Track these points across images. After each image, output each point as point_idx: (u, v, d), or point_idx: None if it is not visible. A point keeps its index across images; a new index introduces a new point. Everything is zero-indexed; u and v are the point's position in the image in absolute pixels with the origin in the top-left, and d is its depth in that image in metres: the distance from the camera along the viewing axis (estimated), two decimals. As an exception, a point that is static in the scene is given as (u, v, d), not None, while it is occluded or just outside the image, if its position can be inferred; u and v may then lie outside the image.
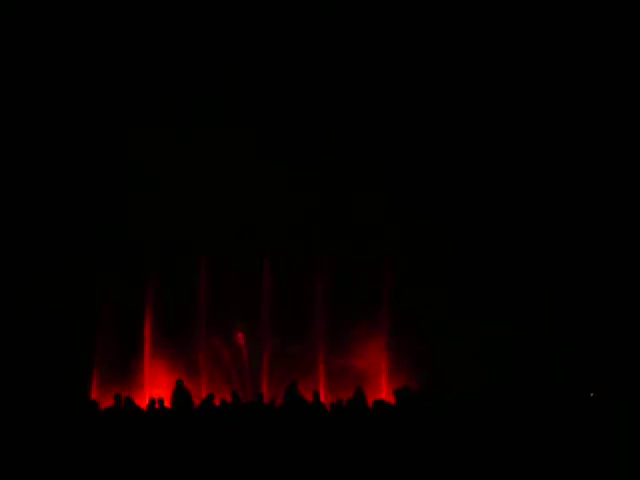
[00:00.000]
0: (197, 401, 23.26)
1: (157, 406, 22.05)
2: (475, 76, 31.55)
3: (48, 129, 30.95)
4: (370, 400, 23.14)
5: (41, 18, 30.78)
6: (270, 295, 29.68)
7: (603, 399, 23.77)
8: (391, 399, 23.11)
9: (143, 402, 23.39)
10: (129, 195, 30.88)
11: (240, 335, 29.38)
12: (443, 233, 30.50)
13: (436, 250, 30.16)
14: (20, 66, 30.61)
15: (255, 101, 31.66)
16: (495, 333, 29.33)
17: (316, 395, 21.95)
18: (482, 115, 31.80)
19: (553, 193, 31.54)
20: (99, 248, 29.96)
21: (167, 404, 22.57)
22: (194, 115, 31.38)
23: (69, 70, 30.91)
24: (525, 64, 31.35)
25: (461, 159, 31.62)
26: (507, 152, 31.60)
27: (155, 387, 26.89)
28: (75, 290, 29.21)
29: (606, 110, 31.06)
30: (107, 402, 22.84)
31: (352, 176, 31.04)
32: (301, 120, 31.87)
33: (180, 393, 22.83)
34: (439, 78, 31.66)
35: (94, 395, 26.78)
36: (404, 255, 29.87)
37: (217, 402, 21.80)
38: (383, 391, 27.10)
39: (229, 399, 22.37)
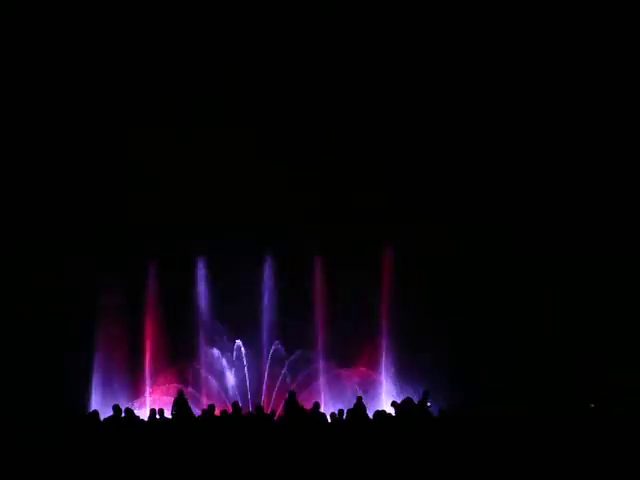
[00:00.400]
0: (198, 411, 23.27)
1: (158, 416, 22.04)
2: (474, 77, 31.45)
3: (49, 130, 30.98)
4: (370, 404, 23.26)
5: (42, 18, 30.64)
6: (272, 297, 29.68)
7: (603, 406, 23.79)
8: (392, 406, 23.05)
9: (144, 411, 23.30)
10: (129, 195, 30.89)
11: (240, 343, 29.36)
12: (443, 233, 30.52)
13: (436, 250, 30.14)
14: (21, 67, 30.50)
15: (255, 101, 31.57)
16: (496, 335, 29.38)
17: (316, 405, 21.90)
18: (481, 116, 31.78)
19: (552, 194, 31.56)
20: (99, 248, 29.94)
21: (168, 414, 22.57)
22: (194, 115, 31.32)
23: (69, 71, 30.84)
24: (524, 66, 31.27)
25: (461, 160, 31.61)
26: (507, 153, 31.55)
27: (156, 396, 26.87)
28: (75, 290, 29.22)
29: (604, 113, 31.05)
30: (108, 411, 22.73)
31: (352, 176, 31.10)
32: (301, 120, 31.80)
33: (181, 403, 22.80)
34: (439, 79, 31.57)
35: (94, 403, 26.79)
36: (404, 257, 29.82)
37: (218, 413, 21.78)
38: (383, 399, 27.07)
39: (230, 410, 22.33)
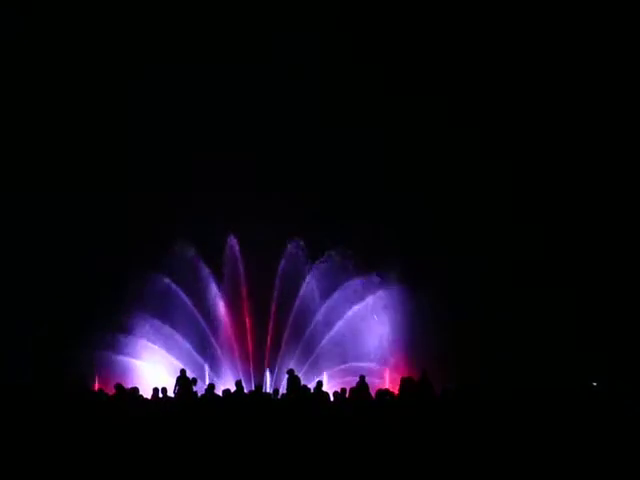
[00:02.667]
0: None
1: (161, 395, 22.12)
2: (481, 83, 31.53)
3: None
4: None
5: None
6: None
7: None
8: (395, 389, 23.08)
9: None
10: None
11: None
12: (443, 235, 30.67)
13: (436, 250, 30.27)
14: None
15: None
16: (496, 325, 29.48)
17: (319, 384, 21.93)
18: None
19: (552, 195, 31.64)
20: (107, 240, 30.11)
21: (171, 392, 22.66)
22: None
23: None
24: (524, 73, 31.31)
25: (461, 162, 31.71)
26: (508, 156, 31.62)
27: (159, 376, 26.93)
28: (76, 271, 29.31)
29: (602, 118, 31.11)
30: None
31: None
32: None
33: (183, 382, 22.84)
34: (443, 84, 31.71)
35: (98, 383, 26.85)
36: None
37: (220, 392, 21.82)
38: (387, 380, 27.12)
39: (233, 389, 22.31)
